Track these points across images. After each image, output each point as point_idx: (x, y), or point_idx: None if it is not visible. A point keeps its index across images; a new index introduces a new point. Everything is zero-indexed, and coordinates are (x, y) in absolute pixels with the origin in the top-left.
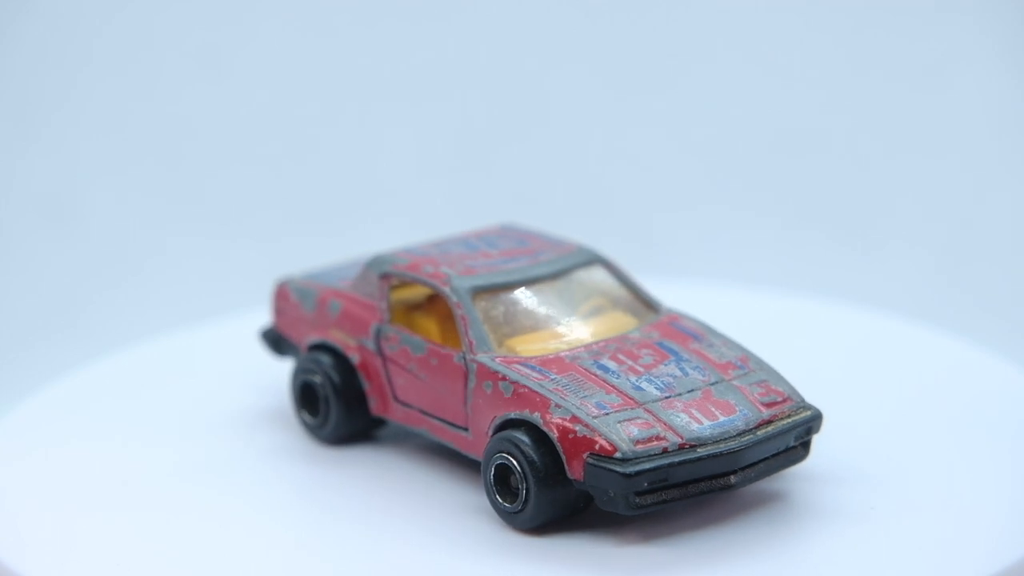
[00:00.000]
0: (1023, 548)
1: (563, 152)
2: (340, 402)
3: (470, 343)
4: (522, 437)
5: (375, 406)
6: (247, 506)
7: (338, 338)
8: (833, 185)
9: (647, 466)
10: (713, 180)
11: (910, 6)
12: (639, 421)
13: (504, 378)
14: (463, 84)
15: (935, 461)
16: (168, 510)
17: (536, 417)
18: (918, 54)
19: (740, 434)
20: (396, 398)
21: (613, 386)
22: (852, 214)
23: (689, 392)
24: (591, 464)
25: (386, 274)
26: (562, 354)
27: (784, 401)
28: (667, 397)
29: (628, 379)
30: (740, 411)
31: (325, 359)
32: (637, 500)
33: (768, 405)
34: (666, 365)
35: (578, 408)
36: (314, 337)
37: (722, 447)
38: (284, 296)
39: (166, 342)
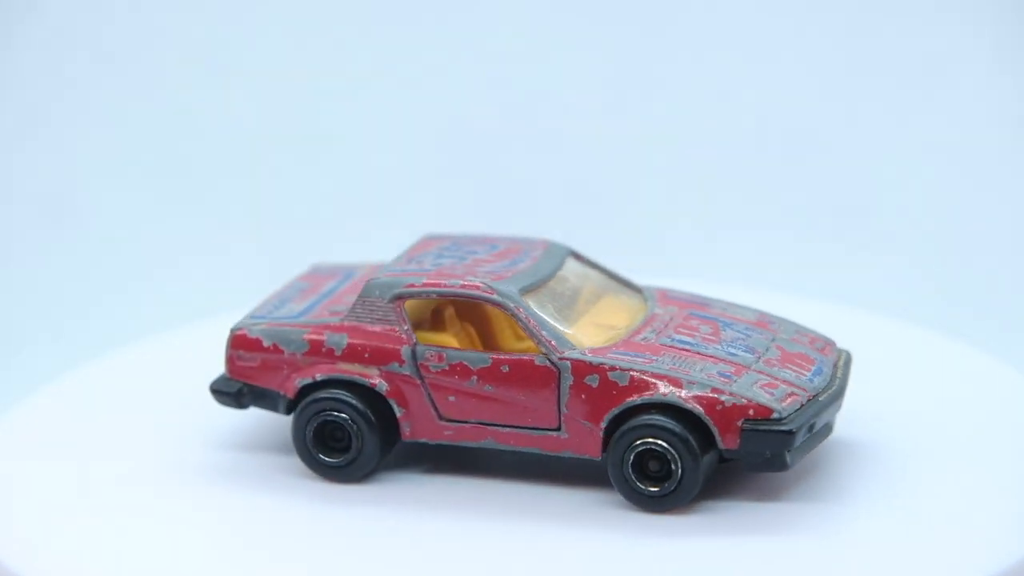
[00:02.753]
0: (1022, 549)
1: (560, 154)
2: (375, 434)
3: (550, 343)
4: (665, 419)
5: (410, 431)
6: (259, 514)
7: (353, 371)
8: (831, 187)
9: (801, 420)
10: (711, 181)
11: (908, 7)
12: (764, 382)
13: (613, 368)
14: (461, 85)
15: (934, 462)
16: (169, 511)
17: (672, 397)
18: (917, 54)
19: (832, 379)
20: (442, 417)
21: (713, 356)
22: (849, 215)
23: (767, 351)
24: (749, 430)
25: (400, 296)
26: (631, 339)
27: (828, 345)
28: (760, 358)
29: (717, 348)
30: (817, 360)
31: (344, 394)
32: (789, 456)
33: (822, 351)
34: (724, 331)
35: (710, 380)
36: (317, 375)
37: (832, 393)
38: (250, 343)
39: (164, 341)
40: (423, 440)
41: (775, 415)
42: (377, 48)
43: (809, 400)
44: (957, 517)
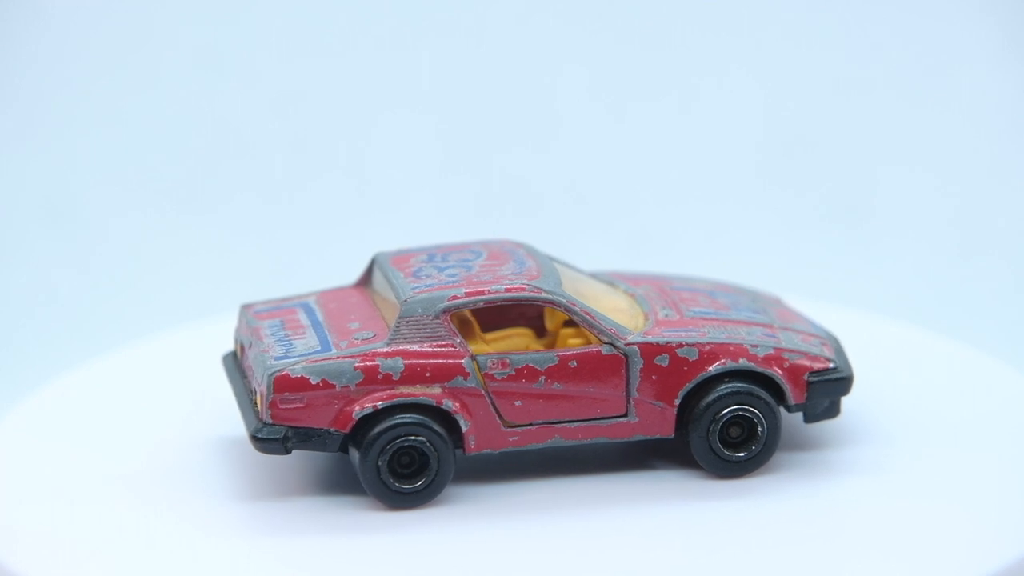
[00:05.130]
0: (1020, 548)
1: (559, 155)
2: (450, 452)
3: (611, 331)
4: (747, 385)
5: (475, 444)
6: (262, 513)
7: (416, 392)
8: (831, 187)
9: (849, 366)
10: (710, 182)
11: (908, 8)
12: (799, 337)
13: (680, 345)
14: (459, 87)
15: (933, 463)
16: (170, 511)
17: (745, 362)
18: (918, 54)
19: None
20: (507, 424)
21: (742, 321)
22: (849, 216)
23: (764, 310)
24: (814, 383)
25: (447, 309)
26: (658, 318)
27: (777, 298)
28: (771, 316)
29: (736, 313)
30: (796, 312)
31: (416, 416)
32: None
33: (783, 303)
34: (718, 299)
35: (767, 342)
36: (379, 403)
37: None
38: (295, 383)
39: (164, 341)
40: (486, 451)
41: (832, 365)
42: (376, 49)
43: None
44: (957, 517)
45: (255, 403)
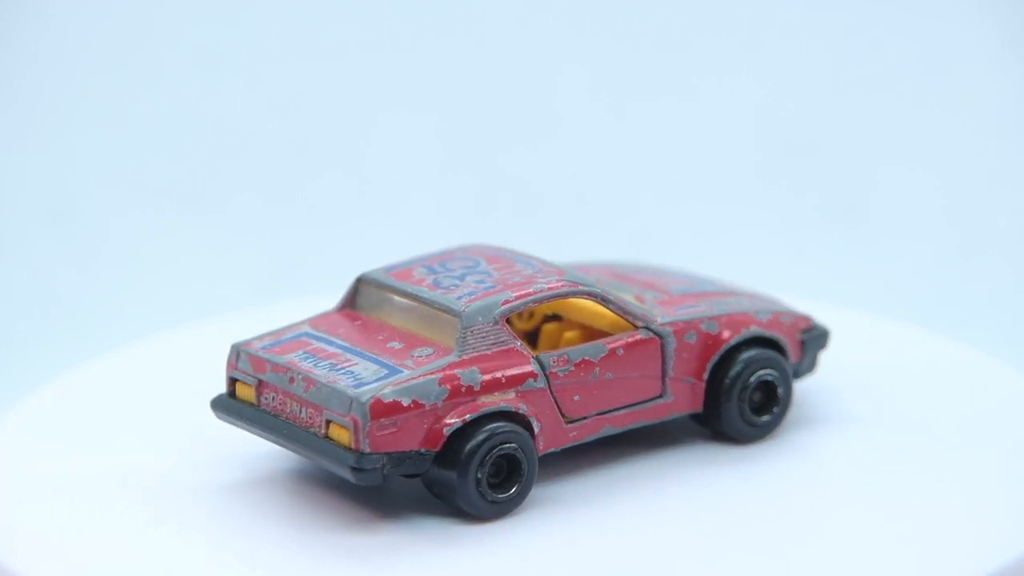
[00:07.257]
0: (1020, 548)
1: (559, 155)
2: (535, 455)
3: (644, 316)
4: (770, 352)
5: (543, 444)
6: (261, 511)
7: (496, 400)
8: (831, 187)
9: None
10: (710, 182)
11: (909, 8)
12: (768, 301)
13: (701, 319)
14: (461, 87)
15: (933, 462)
16: (169, 511)
17: (755, 330)
18: (919, 54)
19: None
20: (568, 420)
21: (721, 293)
22: (849, 216)
23: (715, 283)
24: (806, 340)
25: (503, 314)
26: (648, 298)
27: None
28: (728, 286)
29: (706, 287)
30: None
31: (503, 425)
32: None
33: None
34: (673, 278)
35: (761, 308)
36: (467, 416)
37: None
38: (389, 408)
39: (165, 341)
40: (550, 451)
41: (814, 323)
42: (376, 49)
43: None
44: (957, 516)
45: (327, 436)
